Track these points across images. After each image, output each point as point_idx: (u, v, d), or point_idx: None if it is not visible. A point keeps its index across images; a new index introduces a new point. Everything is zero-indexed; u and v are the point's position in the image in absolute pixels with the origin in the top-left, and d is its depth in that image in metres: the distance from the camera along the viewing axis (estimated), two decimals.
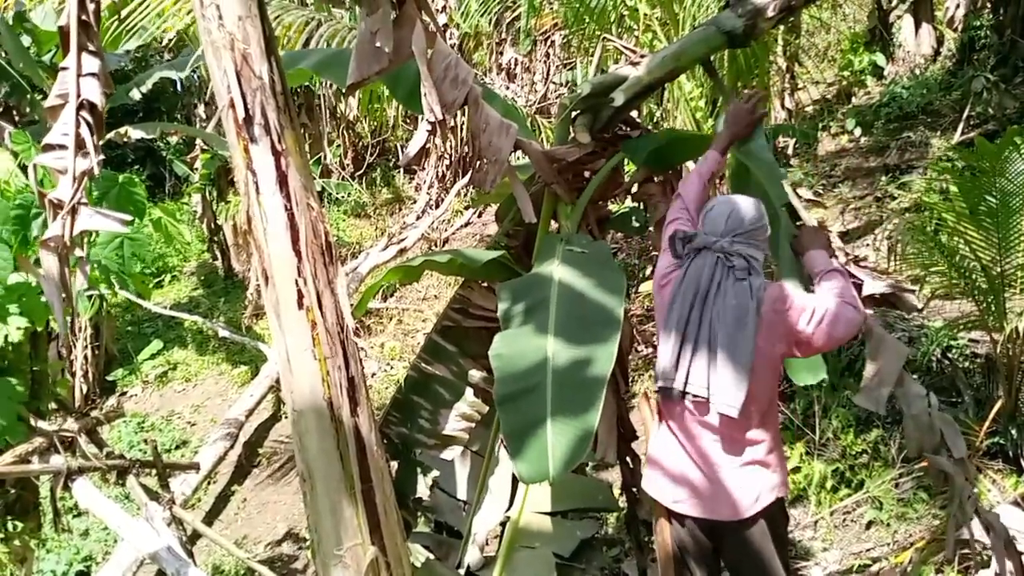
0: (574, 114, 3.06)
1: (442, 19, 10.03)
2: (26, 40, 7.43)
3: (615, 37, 6.16)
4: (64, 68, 2.40)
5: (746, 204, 2.52)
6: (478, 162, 2.56)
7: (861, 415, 4.56)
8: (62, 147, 2.35)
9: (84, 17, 2.39)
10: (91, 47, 2.41)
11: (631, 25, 6.25)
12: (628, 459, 3.25)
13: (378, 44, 2.18)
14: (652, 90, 3.13)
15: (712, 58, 3.18)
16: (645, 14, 5.97)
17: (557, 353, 2.36)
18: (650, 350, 6.00)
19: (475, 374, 3.18)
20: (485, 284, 3.28)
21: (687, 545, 2.59)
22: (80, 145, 2.33)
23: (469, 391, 3.19)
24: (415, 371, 3.29)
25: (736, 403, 2.35)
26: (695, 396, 2.42)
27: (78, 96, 2.37)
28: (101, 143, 2.43)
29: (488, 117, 2.53)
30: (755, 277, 2.44)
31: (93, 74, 2.40)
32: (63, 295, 2.32)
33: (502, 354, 2.42)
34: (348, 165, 11.87)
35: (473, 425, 3.23)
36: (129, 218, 2.52)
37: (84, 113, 2.36)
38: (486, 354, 3.07)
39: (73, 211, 2.29)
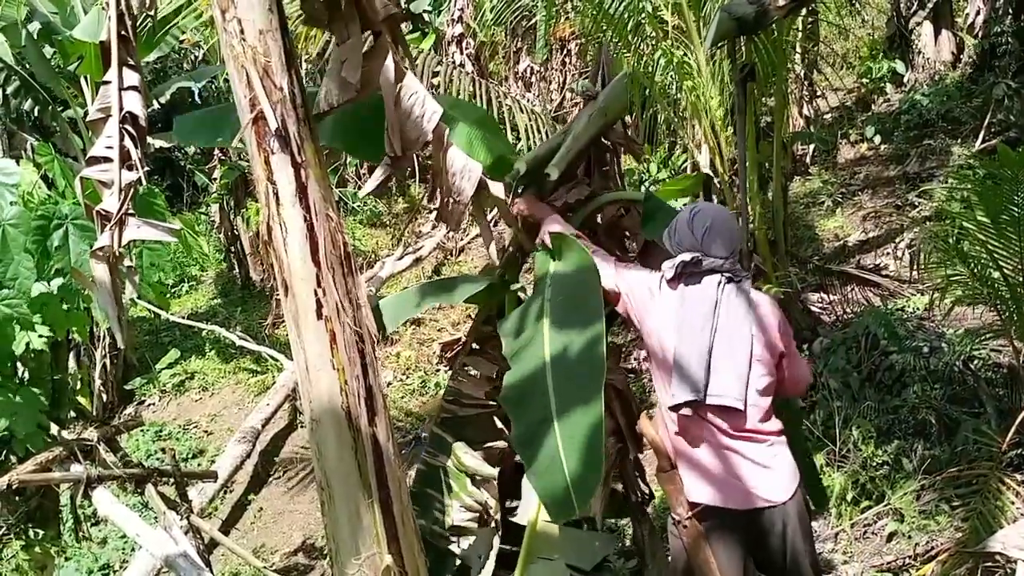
0: (520, 190, 3.10)
1: (459, 29, 10.08)
2: (48, 51, 7.51)
3: (633, 44, 6.13)
4: (106, 82, 2.46)
5: (731, 216, 2.61)
6: (443, 200, 2.63)
7: (882, 426, 4.51)
8: (107, 160, 2.40)
9: (123, 32, 2.44)
10: (131, 61, 2.47)
11: (650, 32, 6.21)
12: (637, 474, 3.26)
13: (343, 75, 2.20)
14: (586, 152, 3.16)
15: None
16: (666, 20, 5.93)
17: (555, 377, 2.37)
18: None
19: (468, 461, 3.18)
20: (474, 373, 3.31)
21: (725, 554, 2.57)
22: (125, 157, 2.38)
23: (468, 481, 3.20)
24: (423, 464, 3.33)
25: (759, 403, 2.51)
26: (722, 405, 2.49)
27: (120, 109, 2.42)
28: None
29: (452, 158, 2.58)
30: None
31: (134, 87, 2.45)
32: (115, 304, 2.37)
33: (510, 397, 2.41)
34: (364, 175, 11.94)
35: (477, 515, 3.25)
36: (178, 227, 2.57)
37: (127, 126, 2.41)
38: (483, 440, 3.18)
39: (120, 222, 2.33)
